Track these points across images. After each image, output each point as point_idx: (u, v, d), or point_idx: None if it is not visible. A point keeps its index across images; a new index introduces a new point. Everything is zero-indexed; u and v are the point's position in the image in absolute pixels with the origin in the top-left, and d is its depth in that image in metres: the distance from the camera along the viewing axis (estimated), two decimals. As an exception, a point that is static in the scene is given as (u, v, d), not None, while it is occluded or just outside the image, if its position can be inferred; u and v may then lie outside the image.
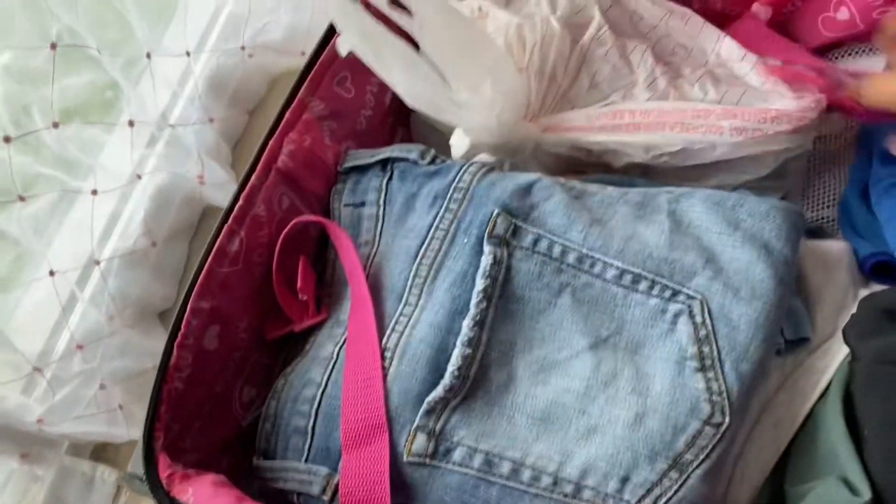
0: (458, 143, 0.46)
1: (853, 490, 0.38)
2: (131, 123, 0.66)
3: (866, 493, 0.37)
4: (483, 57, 0.46)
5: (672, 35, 0.52)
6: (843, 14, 0.49)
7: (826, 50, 0.53)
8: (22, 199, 0.55)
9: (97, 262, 0.64)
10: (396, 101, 0.57)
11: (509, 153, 0.49)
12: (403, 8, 0.44)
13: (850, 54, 0.52)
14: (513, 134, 0.48)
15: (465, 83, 0.46)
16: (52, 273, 0.59)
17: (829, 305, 0.45)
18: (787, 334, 0.44)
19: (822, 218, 0.52)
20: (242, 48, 0.74)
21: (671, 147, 0.46)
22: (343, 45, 0.46)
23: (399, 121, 0.59)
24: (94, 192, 0.64)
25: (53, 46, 0.55)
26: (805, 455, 0.42)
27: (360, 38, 0.43)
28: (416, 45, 0.46)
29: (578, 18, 0.51)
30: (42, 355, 0.63)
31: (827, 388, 0.43)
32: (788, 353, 0.45)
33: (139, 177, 0.69)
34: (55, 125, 0.57)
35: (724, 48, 0.50)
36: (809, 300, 0.46)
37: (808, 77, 0.45)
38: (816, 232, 0.51)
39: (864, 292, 0.46)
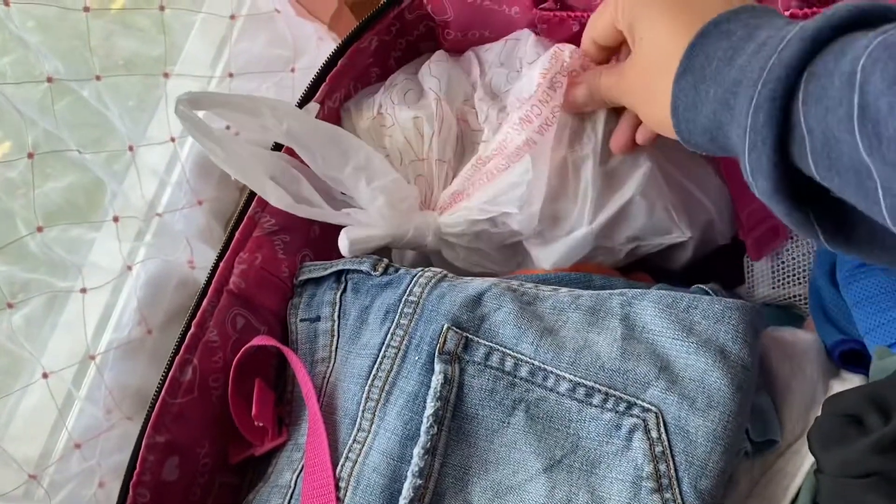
0: (342, 243, 0.47)
1: None
2: (116, 219, 0.66)
3: None
4: (353, 158, 0.48)
5: (505, 63, 0.53)
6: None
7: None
8: (10, 306, 0.55)
9: (92, 358, 0.64)
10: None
11: (411, 244, 0.50)
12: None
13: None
14: (405, 225, 0.49)
15: (343, 186, 0.48)
16: (45, 375, 0.59)
17: (797, 402, 0.44)
18: (754, 435, 0.42)
19: (794, 296, 0.51)
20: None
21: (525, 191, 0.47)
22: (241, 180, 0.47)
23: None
24: (84, 290, 0.64)
25: (31, 155, 0.55)
26: None
27: (233, 165, 0.44)
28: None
29: (467, 102, 0.52)
30: (40, 459, 0.63)
31: (797, 495, 0.41)
32: (757, 456, 0.43)
33: (130, 268, 0.70)
34: (39, 230, 0.57)
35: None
36: (777, 397, 0.44)
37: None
38: (787, 308, 0.49)
39: (834, 383, 0.45)
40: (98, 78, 0.60)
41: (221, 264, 0.49)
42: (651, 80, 0.39)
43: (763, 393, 0.44)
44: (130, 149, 0.66)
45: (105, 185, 0.65)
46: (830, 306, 0.47)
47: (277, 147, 0.50)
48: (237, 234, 0.49)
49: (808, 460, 0.41)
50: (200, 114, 0.46)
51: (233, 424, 0.48)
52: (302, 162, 0.48)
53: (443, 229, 0.50)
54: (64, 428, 0.62)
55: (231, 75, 0.74)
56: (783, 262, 0.51)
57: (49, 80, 0.54)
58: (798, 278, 0.51)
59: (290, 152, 0.49)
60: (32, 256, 0.60)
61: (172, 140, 0.71)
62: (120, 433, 0.66)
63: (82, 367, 0.64)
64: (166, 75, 0.70)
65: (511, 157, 0.47)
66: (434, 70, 0.53)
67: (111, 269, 0.69)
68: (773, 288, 0.51)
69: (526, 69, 0.51)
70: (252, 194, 0.50)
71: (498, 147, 0.48)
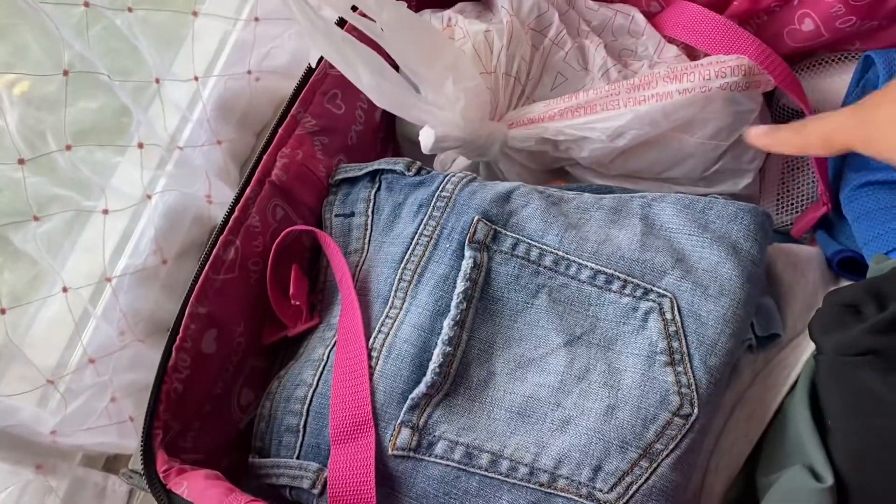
0: (426, 138, 0.49)
1: (817, 477, 0.39)
2: (141, 146, 0.69)
3: (829, 479, 0.39)
4: (443, 57, 0.49)
5: (618, 37, 0.55)
6: (807, 25, 0.51)
7: (794, 60, 0.55)
8: (37, 218, 0.58)
9: (108, 280, 0.67)
10: (387, 116, 0.60)
11: (478, 150, 0.52)
12: (366, 16, 0.47)
13: (818, 64, 0.54)
14: (479, 131, 0.51)
15: (428, 82, 0.49)
16: (65, 290, 0.62)
17: (799, 303, 0.47)
18: (759, 331, 0.46)
19: (797, 221, 0.54)
20: (249, 73, 0.77)
21: (626, 124, 0.49)
22: (313, 54, 0.49)
23: (390, 135, 0.61)
24: (106, 212, 0.66)
25: (66, 73, 0.58)
26: (775, 446, 0.43)
27: (327, 46, 0.46)
28: (381, 51, 0.49)
29: (539, 24, 0.53)
30: (56, 369, 0.65)
31: (796, 382, 0.44)
32: (760, 350, 0.46)
33: (149, 197, 0.72)
34: (68, 148, 0.59)
35: (665, 49, 0.52)
36: (780, 298, 0.47)
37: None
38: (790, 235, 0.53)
39: (833, 287, 0.48)
40: (130, 10, 0.63)
41: (265, 157, 0.51)
42: None
43: (767, 295, 0.48)
44: (157, 81, 0.68)
45: (131, 113, 0.67)
46: (833, 225, 0.51)
47: (341, 23, 0.51)
48: (280, 131, 0.52)
49: (808, 352, 0.45)
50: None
51: (267, 309, 0.51)
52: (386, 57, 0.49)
53: (510, 143, 0.53)
54: (80, 343, 0.65)
55: (257, 19, 0.76)
56: (788, 191, 0.55)
57: (86, 4, 0.57)
58: (801, 206, 0.54)
59: (376, 47, 0.49)
60: (61, 171, 0.63)
61: (196, 79, 0.73)
62: (133, 354, 0.68)
63: (99, 287, 0.67)
64: (195, 14, 0.72)
65: (626, 98, 0.49)
66: None
67: (132, 196, 0.72)
68: (778, 214, 0.55)
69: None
70: (295, 95, 0.53)
71: (613, 89, 0.50)
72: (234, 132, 0.79)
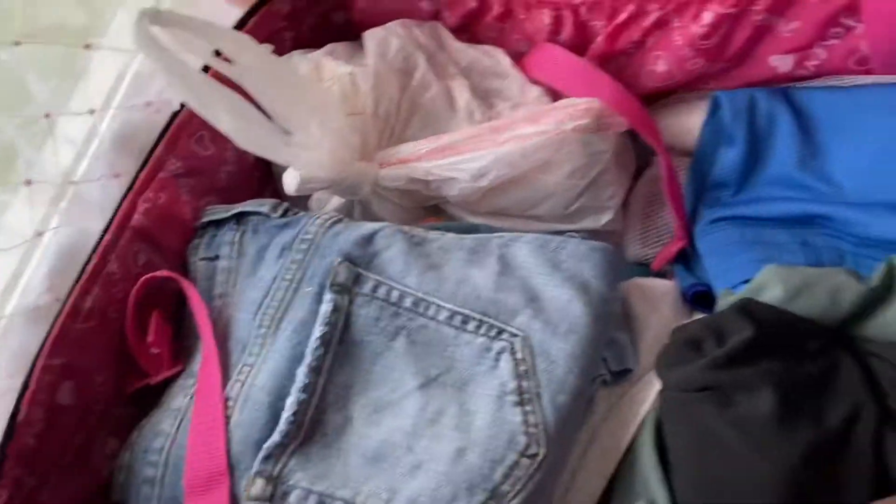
0: (290, 180, 0.49)
1: None
2: (28, 182, 0.67)
3: None
4: (307, 100, 0.49)
5: (485, 78, 0.56)
6: (661, 66, 0.53)
7: (656, 97, 0.57)
8: None
9: None
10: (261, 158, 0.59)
11: (349, 190, 0.52)
12: (226, 58, 0.47)
13: (678, 102, 0.56)
14: (348, 171, 0.51)
15: (294, 124, 0.49)
16: None
17: (652, 337, 0.48)
18: (612, 366, 0.47)
19: (660, 254, 0.56)
20: (148, 104, 0.76)
21: (487, 165, 0.50)
22: (174, 98, 0.48)
23: (269, 175, 0.61)
24: None
25: None
26: (624, 482, 0.44)
27: (184, 89, 0.46)
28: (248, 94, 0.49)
29: (405, 66, 0.54)
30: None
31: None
32: (615, 385, 0.47)
33: (40, 234, 0.70)
34: None
35: (529, 90, 0.54)
36: (635, 333, 0.49)
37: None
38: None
39: (686, 321, 0.50)
40: (18, 43, 0.61)
41: (125, 202, 0.51)
42: None
43: (623, 330, 0.49)
44: (47, 116, 0.67)
45: (18, 150, 0.66)
46: (690, 258, 0.53)
47: (205, 69, 0.51)
48: (142, 175, 0.52)
49: (655, 388, 0.46)
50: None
51: (131, 357, 0.50)
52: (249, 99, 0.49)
53: (381, 182, 0.53)
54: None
55: None
56: (651, 225, 0.57)
57: (-33, 39, 0.55)
58: (665, 239, 0.56)
59: (239, 89, 0.49)
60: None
61: (92, 112, 0.72)
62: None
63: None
64: (87, 46, 0.71)
65: (488, 139, 0.50)
66: (377, 34, 0.56)
67: (22, 234, 0.70)
68: (643, 247, 0.56)
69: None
70: (160, 138, 0.53)
71: (477, 131, 0.51)
72: (133, 165, 0.78)
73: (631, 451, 0.45)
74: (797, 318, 0.42)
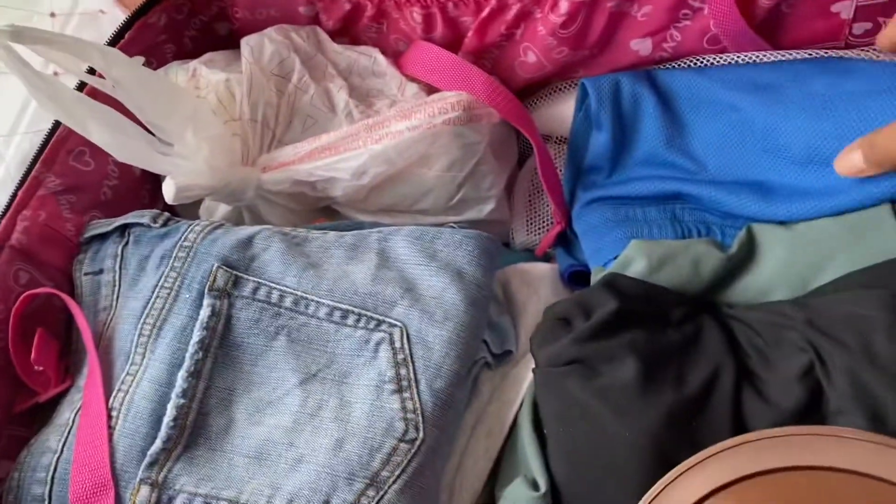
0: (167, 189, 0.50)
1: (535, 486, 0.42)
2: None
3: (543, 487, 0.41)
4: (181, 109, 0.49)
5: (364, 78, 0.57)
6: (531, 58, 0.55)
7: (532, 89, 0.58)
8: None
9: None
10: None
11: (232, 196, 0.53)
12: (96, 72, 0.48)
13: (553, 92, 0.58)
14: (229, 177, 0.51)
15: (169, 134, 0.49)
16: None
17: (531, 320, 0.50)
18: (494, 348, 0.48)
19: (545, 240, 0.57)
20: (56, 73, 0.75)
21: (364, 163, 0.51)
22: (46, 114, 0.48)
23: (159, 187, 0.61)
24: None
25: None
26: (507, 460, 0.46)
27: (53, 106, 0.46)
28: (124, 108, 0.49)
29: (281, 70, 0.55)
30: None
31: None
32: (498, 367, 0.49)
33: None
34: None
35: (407, 88, 0.55)
36: (515, 316, 0.50)
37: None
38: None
39: (566, 303, 0.51)
40: None
41: (3, 221, 0.50)
42: None
43: (504, 313, 0.50)
44: None
45: None
46: (570, 241, 0.54)
47: (81, 86, 0.51)
48: (20, 193, 0.51)
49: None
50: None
51: (18, 376, 0.50)
52: (123, 111, 0.49)
53: (264, 186, 0.54)
54: None
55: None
56: (536, 212, 0.58)
57: None
58: (547, 225, 0.57)
59: (110, 100, 0.49)
60: None
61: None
62: None
63: None
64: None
65: (364, 137, 0.51)
66: (252, 40, 0.56)
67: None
68: (528, 235, 0.58)
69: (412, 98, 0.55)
70: (37, 156, 0.52)
71: (352, 130, 0.52)
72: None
73: (512, 430, 0.46)
74: (661, 289, 0.44)
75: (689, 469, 0.33)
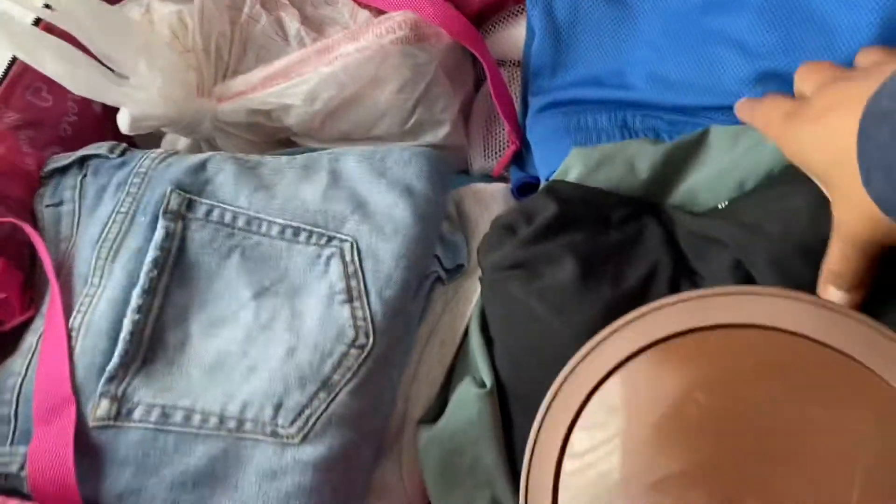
0: (122, 119, 0.50)
1: (482, 384, 0.43)
2: None
3: (488, 384, 0.42)
4: (133, 41, 0.50)
5: (317, 7, 0.57)
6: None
7: (487, 16, 0.59)
8: None
9: None
10: (110, 107, 0.60)
11: (188, 128, 0.53)
12: (50, 6, 0.48)
13: (508, 17, 0.58)
14: (184, 108, 0.52)
15: (122, 66, 0.50)
16: None
17: (482, 235, 0.51)
18: (446, 263, 0.49)
19: (502, 163, 0.58)
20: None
21: (315, 87, 0.51)
22: (3, 49, 0.49)
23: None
24: None
25: None
26: (459, 367, 0.47)
27: (10, 41, 0.46)
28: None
29: (233, 1, 0.56)
30: None
31: (480, 305, 0.48)
32: (450, 281, 0.50)
33: None
34: None
35: (359, 14, 0.55)
36: (468, 232, 0.51)
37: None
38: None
39: (519, 220, 0.52)
40: None
41: (-37, 155, 0.51)
42: None
43: (457, 231, 0.51)
44: None
45: None
46: (524, 158, 0.55)
47: (36, 22, 0.52)
48: (-22, 129, 0.52)
49: (486, 277, 0.48)
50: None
51: (-17, 308, 0.51)
52: (77, 44, 0.50)
53: (220, 117, 0.54)
54: None
55: None
56: (492, 137, 0.59)
57: None
58: (503, 149, 0.58)
59: (65, 34, 0.50)
60: None
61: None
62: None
63: None
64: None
65: (315, 62, 0.51)
66: None
67: None
68: (485, 160, 0.58)
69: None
70: (-7, 93, 0.53)
71: (303, 54, 0.52)
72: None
73: (464, 340, 0.47)
74: (598, 191, 0.45)
75: (616, 331, 0.34)
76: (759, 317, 0.29)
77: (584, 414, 0.31)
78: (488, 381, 0.42)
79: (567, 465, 0.31)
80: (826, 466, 0.26)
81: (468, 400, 0.43)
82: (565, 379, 0.33)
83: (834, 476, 0.26)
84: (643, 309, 0.33)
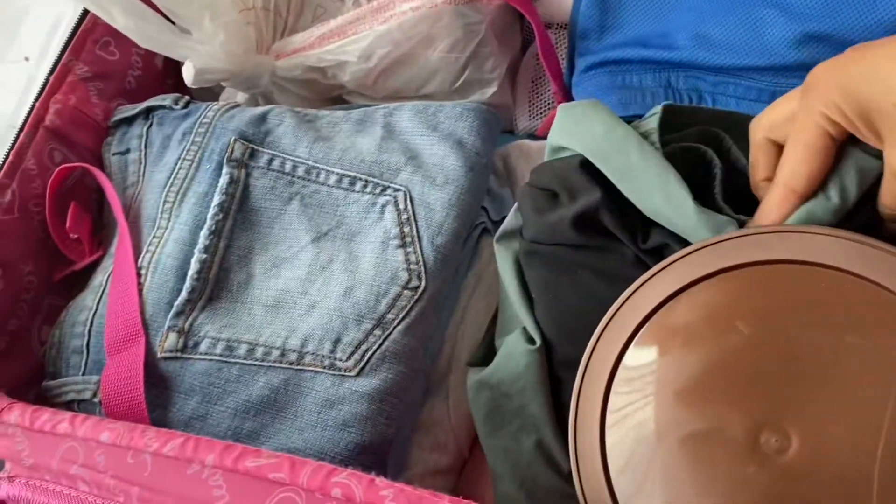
0: (187, 72, 0.53)
1: (530, 339, 0.44)
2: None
3: (538, 341, 0.43)
4: None
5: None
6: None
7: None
8: None
9: None
10: (171, 62, 0.63)
11: (247, 83, 0.56)
12: None
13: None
14: (244, 63, 0.55)
15: (187, 21, 0.53)
16: None
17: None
18: (493, 215, 0.51)
19: (546, 123, 0.60)
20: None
21: (370, 45, 0.53)
22: (77, 3, 0.52)
23: (180, 81, 0.64)
24: None
25: None
26: (504, 314, 0.48)
27: None
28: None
29: None
30: None
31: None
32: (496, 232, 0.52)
33: None
34: None
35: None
36: (514, 186, 0.53)
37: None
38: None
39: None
40: None
41: (37, 104, 0.54)
42: None
43: (504, 185, 0.53)
44: None
45: None
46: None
47: None
48: (52, 78, 0.55)
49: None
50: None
51: (57, 249, 0.54)
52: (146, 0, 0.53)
53: (278, 73, 0.57)
54: None
55: None
56: (537, 97, 0.61)
57: None
58: (549, 109, 0.60)
59: None
60: None
61: (27, 60, 0.75)
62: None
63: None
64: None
65: (370, 20, 0.53)
66: None
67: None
68: (530, 119, 0.60)
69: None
70: (66, 46, 0.56)
71: (358, 13, 0.54)
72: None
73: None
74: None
75: (663, 269, 0.35)
76: (803, 253, 0.31)
77: (636, 339, 0.33)
78: (537, 338, 0.43)
79: (617, 386, 0.33)
80: (860, 390, 0.28)
81: (517, 353, 0.43)
82: (616, 311, 0.35)
83: (867, 399, 0.28)
84: (697, 245, 0.34)
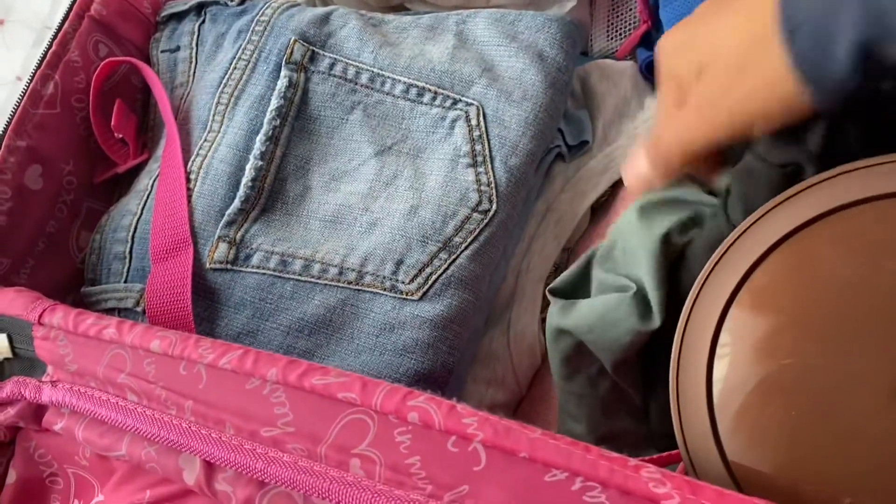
0: None
1: (643, 315, 0.35)
2: (1, 22, 0.67)
3: (657, 322, 0.35)
4: None
5: None
6: None
7: None
8: None
9: None
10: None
11: None
12: None
13: None
14: None
15: None
16: None
17: (610, 113, 0.49)
18: (569, 139, 0.47)
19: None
20: None
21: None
22: None
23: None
24: None
25: None
26: (601, 254, 0.39)
27: None
28: None
29: None
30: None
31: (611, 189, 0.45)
32: (572, 159, 0.48)
33: (19, 79, 0.71)
34: None
35: None
36: (594, 109, 0.49)
37: None
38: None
39: (649, 99, 0.49)
40: None
41: (82, -8, 0.50)
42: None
43: (581, 106, 0.49)
44: None
45: None
46: (652, 40, 0.52)
47: None
48: (99, -34, 0.51)
49: (617, 163, 0.46)
50: None
51: (100, 149, 0.51)
52: None
53: None
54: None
55: None
56: (617, 17, 0.56)
57: None
58: (628, 30, 0.55)
59: None
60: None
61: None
62: None
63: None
64: None
65: None
66: None
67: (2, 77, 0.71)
68: (608, 41, 0.56)
69: None
70: (114, -70, 0.52)
71: None
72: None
73: (624, 219, 0.41)
74: None
75: (787, 199, 0.31)
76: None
77: (763, 263, 0.30)
78: (657, 319, 0.35)
79: (735, 311, 0.29)
80: None
81: (623, 327, 0.36)
82: (742, 233, 0.31)
83: None
84: (823, 175, 0.30)
